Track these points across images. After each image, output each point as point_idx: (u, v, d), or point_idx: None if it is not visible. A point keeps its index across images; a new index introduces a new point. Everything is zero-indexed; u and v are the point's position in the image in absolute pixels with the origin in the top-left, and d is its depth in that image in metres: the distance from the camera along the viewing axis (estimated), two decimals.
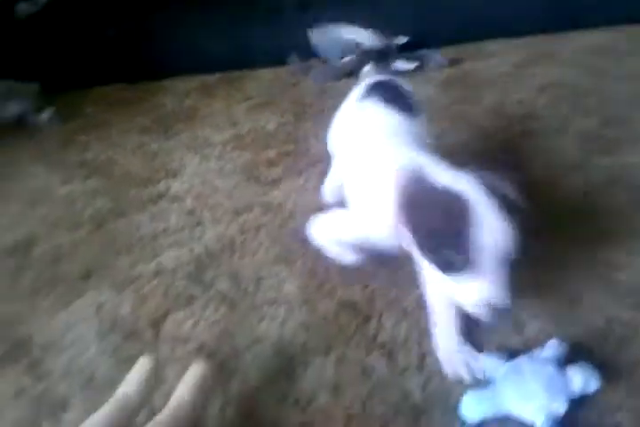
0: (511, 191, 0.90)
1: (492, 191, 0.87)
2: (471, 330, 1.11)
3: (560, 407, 0.91)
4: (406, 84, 1.39)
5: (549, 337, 1.05)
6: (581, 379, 0.93)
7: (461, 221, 0.83)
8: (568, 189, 1.54)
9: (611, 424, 0.93)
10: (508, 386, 0.94)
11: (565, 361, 0.98)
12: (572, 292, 1.19)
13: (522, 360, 0.97)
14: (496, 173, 0.91)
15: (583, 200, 1.49)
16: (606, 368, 0.99)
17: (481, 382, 1.01)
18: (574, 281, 1.22)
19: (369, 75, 2.30)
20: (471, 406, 0.96)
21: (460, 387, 1.02)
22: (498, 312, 0.87)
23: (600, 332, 1.10)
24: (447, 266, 0.87)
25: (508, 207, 0.86)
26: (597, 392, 0.95)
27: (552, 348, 1.01)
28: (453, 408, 0.98)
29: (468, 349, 1.07)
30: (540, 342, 1.05)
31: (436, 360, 1.08)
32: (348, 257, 1.24)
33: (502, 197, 0.88)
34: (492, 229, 0.83)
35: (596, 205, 1.46)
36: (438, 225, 0.85)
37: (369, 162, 1.10)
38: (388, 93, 1.27)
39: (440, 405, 0.99)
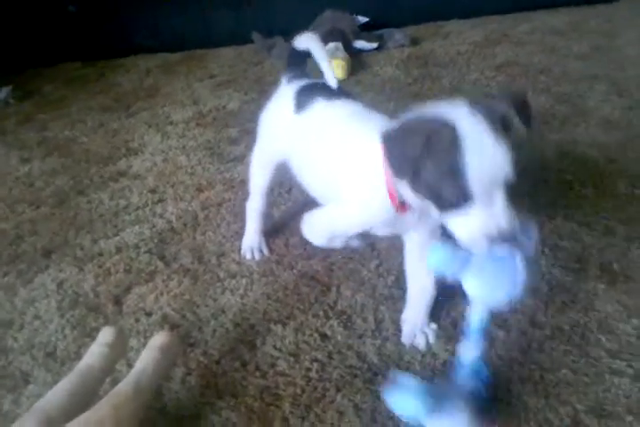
0: (501, 104, 0.83)
1: (490, 113, 0.81)
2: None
3: (504, 306, 0.90)
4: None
5: None
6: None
7: (451, 149, 0.78)
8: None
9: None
10: (490, 267, 0.87)
11: None
12: None
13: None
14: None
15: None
16: None
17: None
18: None
19: (331, 52, 2.33)
20: (438, 254, 0.91)
21: (414, 350, 1.07)
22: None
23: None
24: (445, 201, 0.82)
25: (507, 126, 0.82)
26: None
27: None
28: (406, 369, 1.03)
29: (433, 326, 1.10)
30: None
31: (391, 326, 1.13)
32: (354, 243, 1.12)
33: (502, 117, 0.82)
34: (486, 156, 0.78)
35: (547, 179, 1.52)
36: (421, 152, 0.79)
37: (355, 150, 1.01)
38: (326, 91, 1.19)
39: (394, 366, 1.04)
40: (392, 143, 0.83)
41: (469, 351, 0.92)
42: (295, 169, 1.21)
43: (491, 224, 0.81)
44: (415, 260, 1.10)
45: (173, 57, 2.77)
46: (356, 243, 1.10)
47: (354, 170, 1.00)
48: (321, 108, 1.14)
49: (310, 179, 1.17)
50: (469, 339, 0.93)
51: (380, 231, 1.05)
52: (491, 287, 0.88)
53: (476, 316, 0.92)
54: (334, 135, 1.06)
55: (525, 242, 0.89)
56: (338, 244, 1.07)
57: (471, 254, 0.87)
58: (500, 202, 0.81)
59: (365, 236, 1.09)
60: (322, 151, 1.08)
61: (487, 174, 0.79)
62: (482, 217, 0.81)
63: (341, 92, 1.20)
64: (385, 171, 0.91)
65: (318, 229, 1.08)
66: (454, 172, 0.78)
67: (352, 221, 1.03)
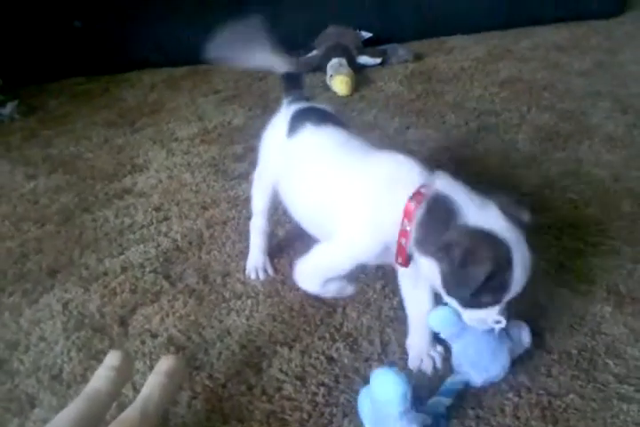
0: (525, 214, 0.95)
1: (516, 222, 0.92)
2: None
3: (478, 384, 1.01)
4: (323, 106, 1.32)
5: None
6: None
7: (508, 269, 0.88)
8: (524, 182, 1.60)
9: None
10: (482, 347, 1.00)
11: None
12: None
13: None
14: (509, 198, 0.96)
15: (538, 192, 1.54)
16: None
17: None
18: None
19: (335, 68, 2.35)
20: (440, 316, 1.02)
21: (420, 374, 1.07)
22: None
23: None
24: (475, 305, 0.94)
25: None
26: None
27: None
28: (415, 393, 1.02)
29: (439, 349, 1.10)
30: None
31: (397, 349, 1.13)
32: (349, 289, 1.10)
33: (521, 224, 0.93)
34: (523, 267, 0.89)
35: (551, 198, 1.52)
36: (484, 278, 0.86)
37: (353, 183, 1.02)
38: (318, 116, 1.21)
39: None
40: (452, 264, 0.89)
41: (436, 400, 0.99)
42: (282, 193, 1.23)
43: (495, 318, 0.94)
44: (410, 287, 1.11)
45: (178, 72, 2.79)
46: (349, 289, 1.09)
47: (345, 207, 1.01)
48: (308, 134, 1.16)
49: (296, 205, 1.19)
50: (440, 393, 1.00)
51: (373, 262, 1.08)
52: (474, 365, 0.99)
53: (450, 380, 1.02)
54: (323, 165, 1.09)
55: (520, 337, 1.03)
56: (332, 290, 1.08)
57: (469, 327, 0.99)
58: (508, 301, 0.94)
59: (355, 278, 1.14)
60: (311, 180, 1.11)
61: (520, 285, 0.91)
62: (493, 313, 0.94)
63: (334, 117, 1.22)
64: (402, 229, 0.94)
65: (311, 272, 1.08)
66: (501, 287, 0.90)
67: (342, 257, 1.03)
